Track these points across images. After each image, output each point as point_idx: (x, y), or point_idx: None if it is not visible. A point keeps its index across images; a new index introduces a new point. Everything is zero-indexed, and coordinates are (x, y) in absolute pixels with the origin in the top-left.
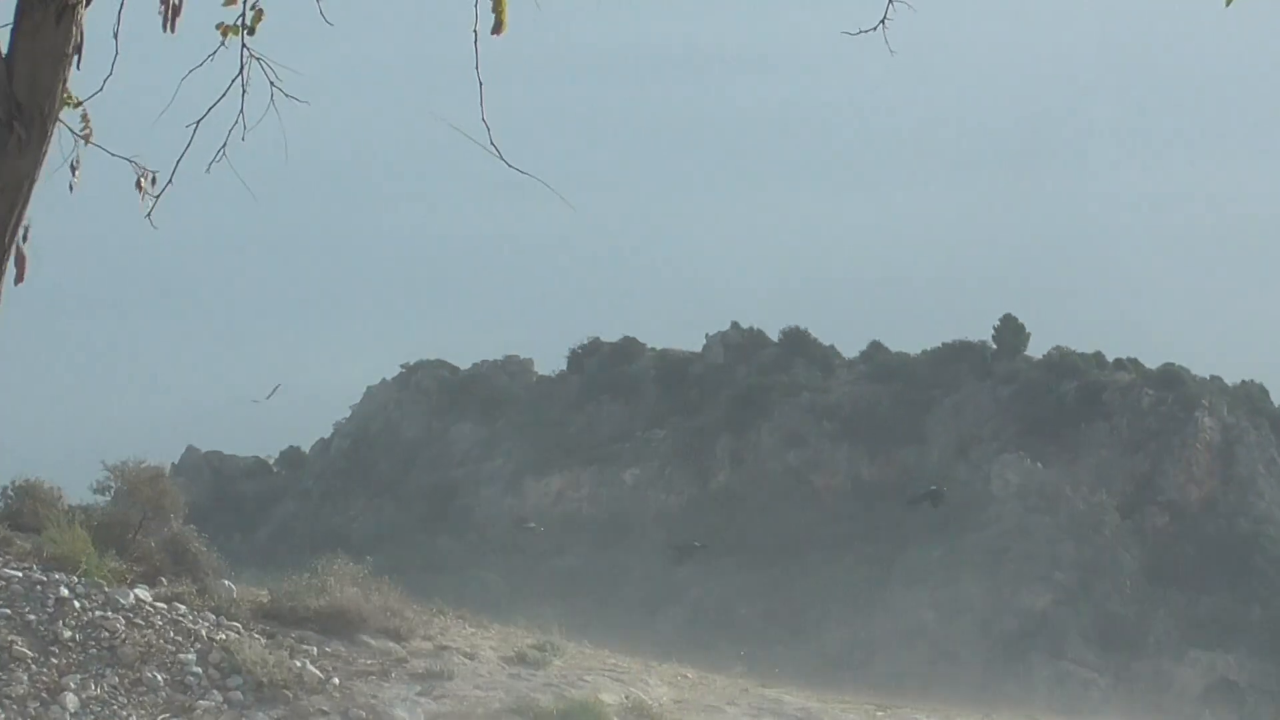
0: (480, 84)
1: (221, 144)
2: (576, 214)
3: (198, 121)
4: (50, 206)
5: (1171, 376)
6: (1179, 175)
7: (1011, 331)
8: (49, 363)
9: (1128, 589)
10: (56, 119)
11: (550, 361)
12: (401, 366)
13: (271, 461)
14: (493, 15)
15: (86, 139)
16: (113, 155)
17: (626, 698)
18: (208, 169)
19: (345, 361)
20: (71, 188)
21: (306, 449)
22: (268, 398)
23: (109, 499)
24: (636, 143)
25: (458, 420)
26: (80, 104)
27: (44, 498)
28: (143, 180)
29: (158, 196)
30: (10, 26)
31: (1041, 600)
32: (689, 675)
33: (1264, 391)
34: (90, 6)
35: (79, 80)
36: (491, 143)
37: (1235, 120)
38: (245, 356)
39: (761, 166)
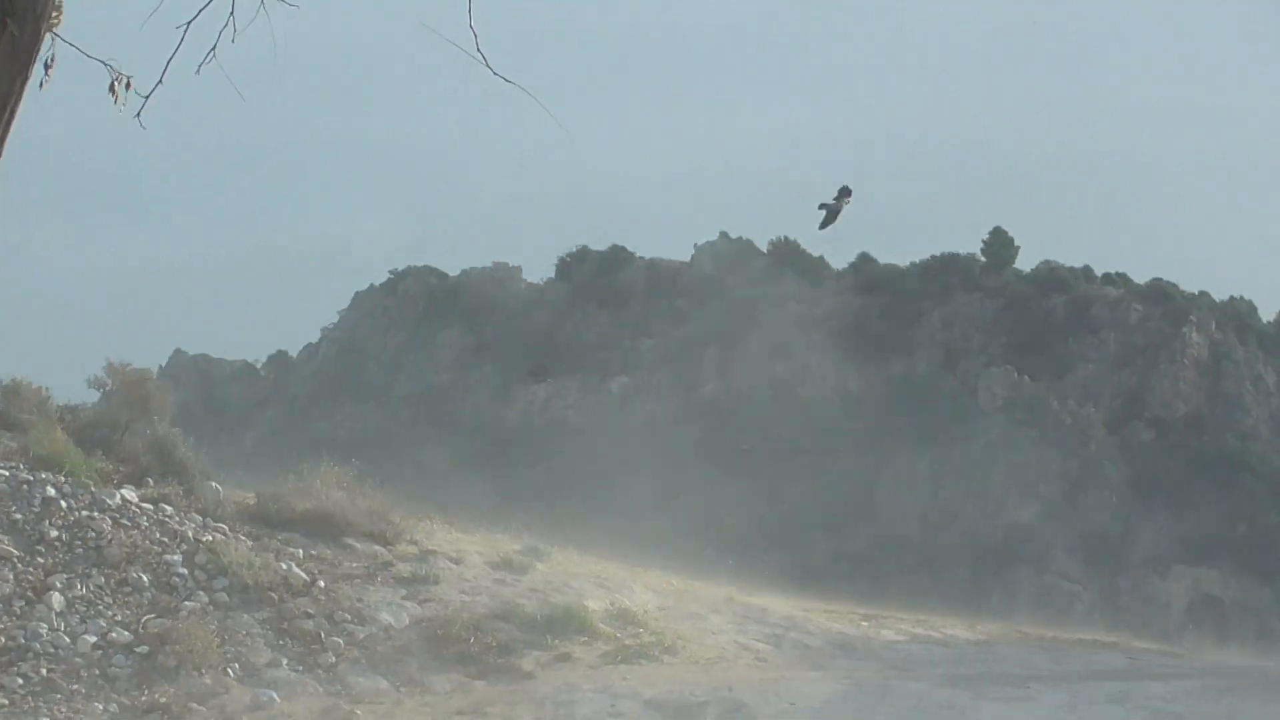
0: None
1: (212, 46)
2: (565, 124)
3: (188, 23)
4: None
5: (1160, 292)
6: (1171, 85)
7: (1001, 244)
8: (39, 262)
9: (1113, 503)
10: (49, 18)
11: (539, 269)
12: (390, 273)
13: (259, 365)
14: None
15: (50, 28)
16: (89, 57)
17: (611, 604)
18: (198, 70)
19: (332, 265)
20: (41, 84)
21: (294, 353)
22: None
23: (99, 398)
24: (625, 55)
25: (445, 327)
26: None
27: (30, 398)
28: (117, 84)
29: (147, 97)
30: None
31: (1027, 513)
32: (674, 583)
33: (1252, 307)
34: None
35: None
36: (478, 49)
37: (1234, 32)
38: (235, 248)
39: (750, 77)
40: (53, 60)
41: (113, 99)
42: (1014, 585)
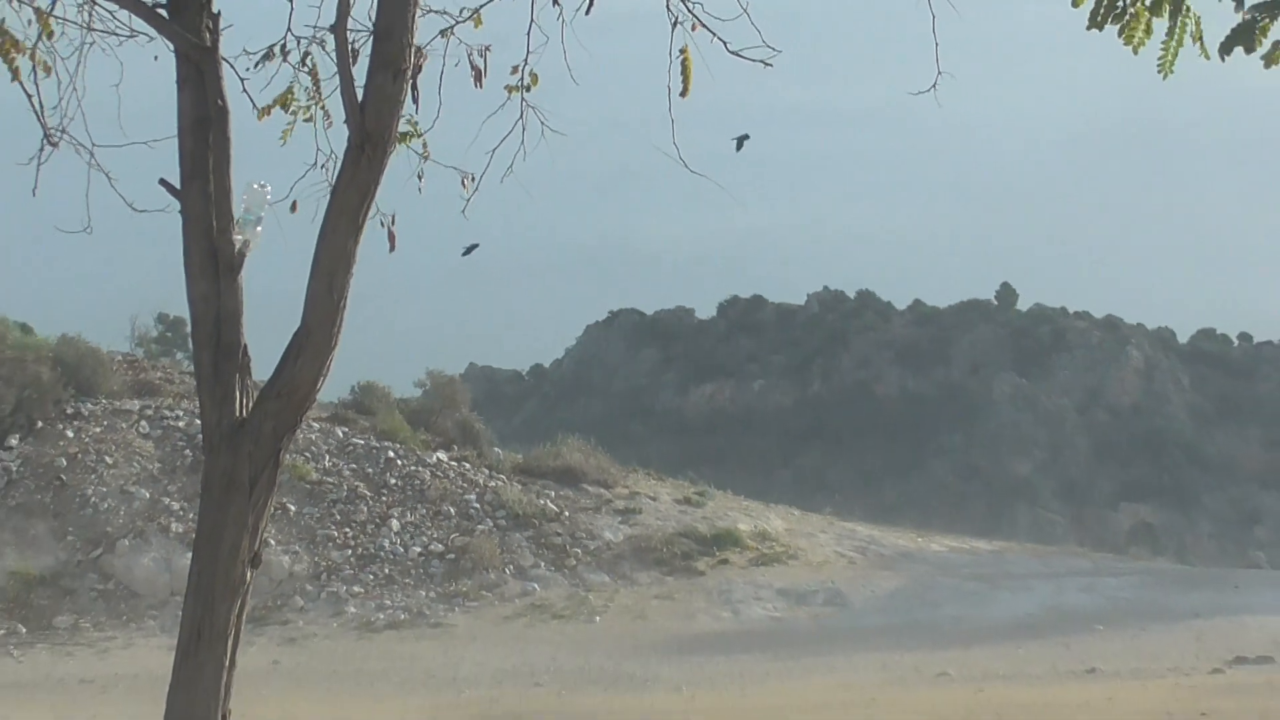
0: (672, 121)
1: (509, 164)
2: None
3: (493, 150)
4: (397, 206)
5: (1112, 323)
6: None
7: (1007, 293)
8: (390, 305)
9: (1082, 462)
10: (395, 144)
11: (706, 310)
12: (608, 313)
13: (524, 373)
14: (681, 82)
15: (426, 157)
16: (444, 166)
17: (754, 527)
18: (501, 180)
19: (564, 314)
20: (420, 190)
21: (547, 365)
22: None
23: (421, 394)
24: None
25: (644, 348)
26: (422, 135)
27: (378, 393)
28: (465, 181)
29: (469, 199)
30: (364, 84)
31: (1025, 468)
32: (795, 514)
33: (1172, 333)
34: (421, 74)
35: (421, 116)
36: (679, 157)
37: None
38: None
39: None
40: (422, 175)
41: (464, 191)
42: (1016, 516)
